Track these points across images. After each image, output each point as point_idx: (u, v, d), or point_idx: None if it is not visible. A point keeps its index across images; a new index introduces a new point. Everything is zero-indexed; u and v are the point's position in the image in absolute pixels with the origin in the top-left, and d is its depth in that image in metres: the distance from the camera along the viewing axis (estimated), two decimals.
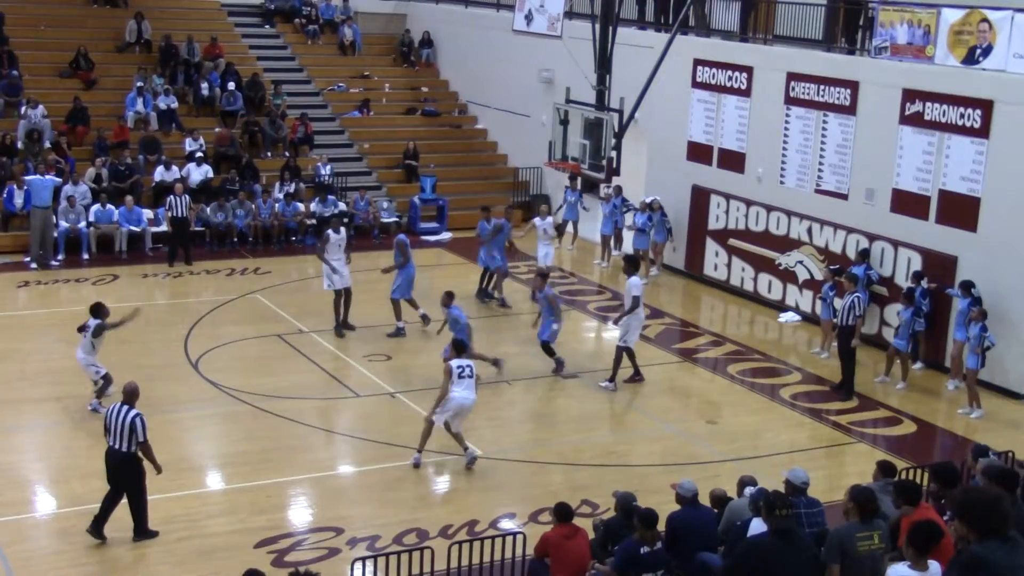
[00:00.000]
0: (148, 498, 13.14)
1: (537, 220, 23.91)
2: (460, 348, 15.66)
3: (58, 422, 16.29)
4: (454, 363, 15.17)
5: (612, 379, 18.45)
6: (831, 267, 21.03)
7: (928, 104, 20.07)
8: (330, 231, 20.62)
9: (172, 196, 24.65)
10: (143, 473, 13.05)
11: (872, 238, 20.99)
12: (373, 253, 24.89)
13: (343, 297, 20.47)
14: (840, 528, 9.94)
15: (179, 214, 24.47)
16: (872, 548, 9.59)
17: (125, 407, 12.97)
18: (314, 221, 27.17)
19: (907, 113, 20.45)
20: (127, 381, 13.40)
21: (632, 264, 19.12)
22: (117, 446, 12.91)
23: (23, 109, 27.24)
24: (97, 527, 12.96)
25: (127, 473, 12.99)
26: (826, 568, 9.50)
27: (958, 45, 19.58)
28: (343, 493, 14.92)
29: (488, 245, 22.53)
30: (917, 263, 20.15)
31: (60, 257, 24.54)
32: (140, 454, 12.96)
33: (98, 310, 16.70)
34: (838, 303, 19.40)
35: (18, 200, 24.97)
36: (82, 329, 16.64)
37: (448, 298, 18.09)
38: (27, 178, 24.64)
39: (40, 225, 24.07)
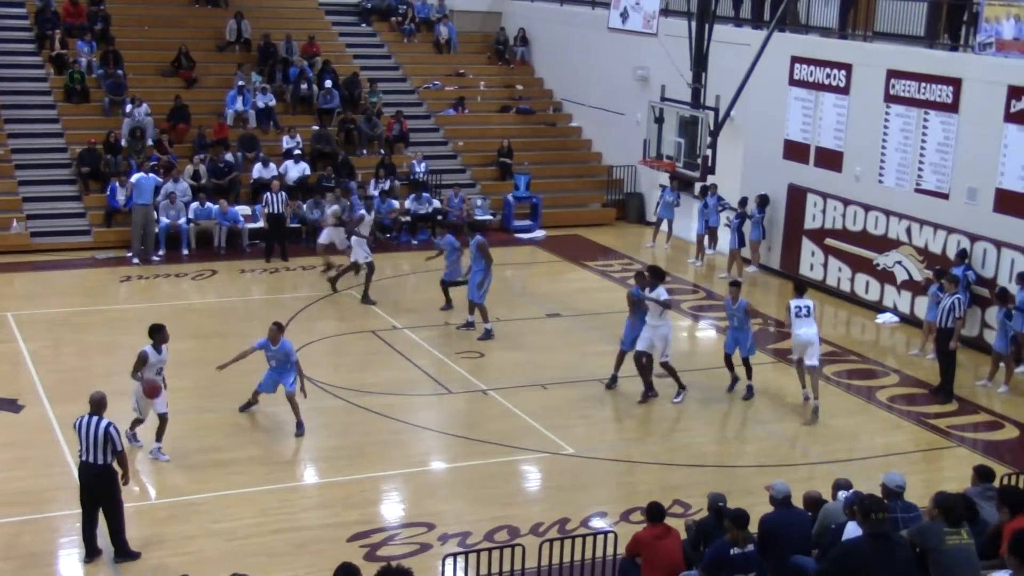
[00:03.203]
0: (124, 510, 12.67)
1: None
2: (801, 287, 17.78)
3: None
4: (792, 302, 17.44)
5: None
6: (932, 268, 20.63)
7: None
8: (363, 211, 23.17)
9: (269, 193, 25.01)
10: (119, 486, 12.51)
11: (974, 238, 20.54)
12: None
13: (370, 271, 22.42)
14: (931, 523, 9.85)
15: (276, 210, 24.85)
16: (961, 542, 9.46)
17: (95, 418, 12.36)
18: (409, 218, 27.38)
19: (1012, 111, 19.97)
20: (94, 391, 12.74)
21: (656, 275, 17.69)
22: (92, 459, 12.29)
23: (128, 108, 27.82)
24: (91, 549, 12.54)
25: (104, 486, 12.40)
26: (922, 571, 9.39)
27: None
28: (435, 489, 15.00)
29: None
30: (1022, 264, 19.65)
31: (161, 252, 25.01)
32: (115, 465, 12.42)
33: (153, 333, 15.11)
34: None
35: (120, 197, 25.48)
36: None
37: (278, 330, 16.14)
38: (132, 178, 25.05)
39: (142, 221, 24.55)
